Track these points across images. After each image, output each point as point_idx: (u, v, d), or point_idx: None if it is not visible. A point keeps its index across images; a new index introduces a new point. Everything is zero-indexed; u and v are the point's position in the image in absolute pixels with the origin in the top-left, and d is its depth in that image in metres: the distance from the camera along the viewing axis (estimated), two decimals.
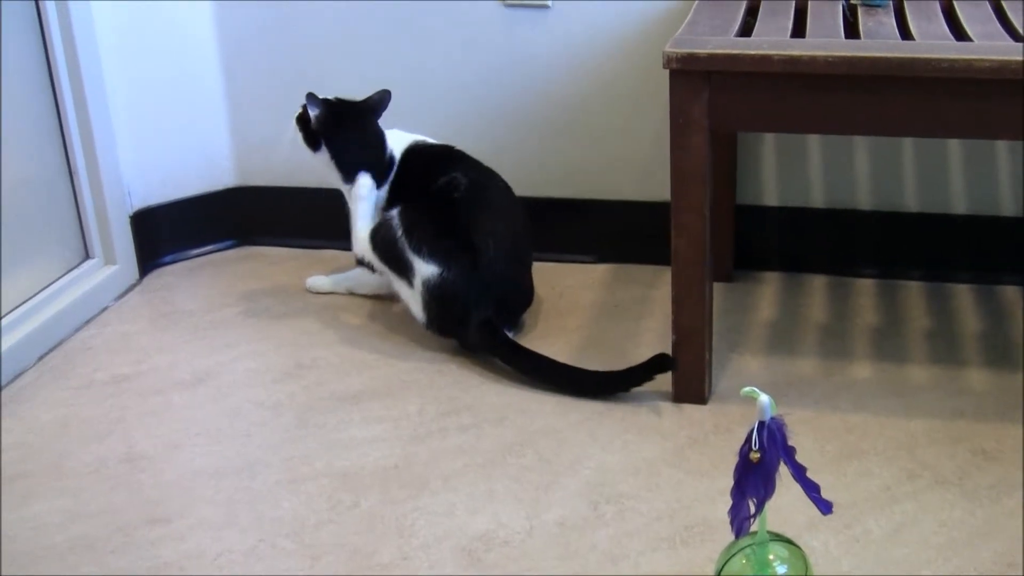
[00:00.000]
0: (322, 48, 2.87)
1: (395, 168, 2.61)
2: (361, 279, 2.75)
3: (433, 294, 2.45)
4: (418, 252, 2.45)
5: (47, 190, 2.70)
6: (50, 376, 2.47)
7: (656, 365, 2.27)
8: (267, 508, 2.00)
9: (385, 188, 2.60)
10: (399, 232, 2.47)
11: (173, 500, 2.04)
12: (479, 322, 2.43)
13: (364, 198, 2.59)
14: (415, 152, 2.63)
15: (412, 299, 2.50)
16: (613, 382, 2.32)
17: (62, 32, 2.64)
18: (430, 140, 2.66)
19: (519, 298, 2.57)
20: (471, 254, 2.44)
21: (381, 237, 2.52)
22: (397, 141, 2.64)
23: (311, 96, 2.56)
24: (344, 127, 2.60)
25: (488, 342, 2.43)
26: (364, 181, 2.58)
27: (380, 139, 2.61)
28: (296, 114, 2.63)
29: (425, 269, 2.44)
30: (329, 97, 2.60)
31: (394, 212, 2.51)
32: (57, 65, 2.65)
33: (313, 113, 2.59)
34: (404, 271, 2.48)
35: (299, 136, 2.64)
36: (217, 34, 2.94)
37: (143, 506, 2.02)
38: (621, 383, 2.31)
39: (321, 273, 2.85)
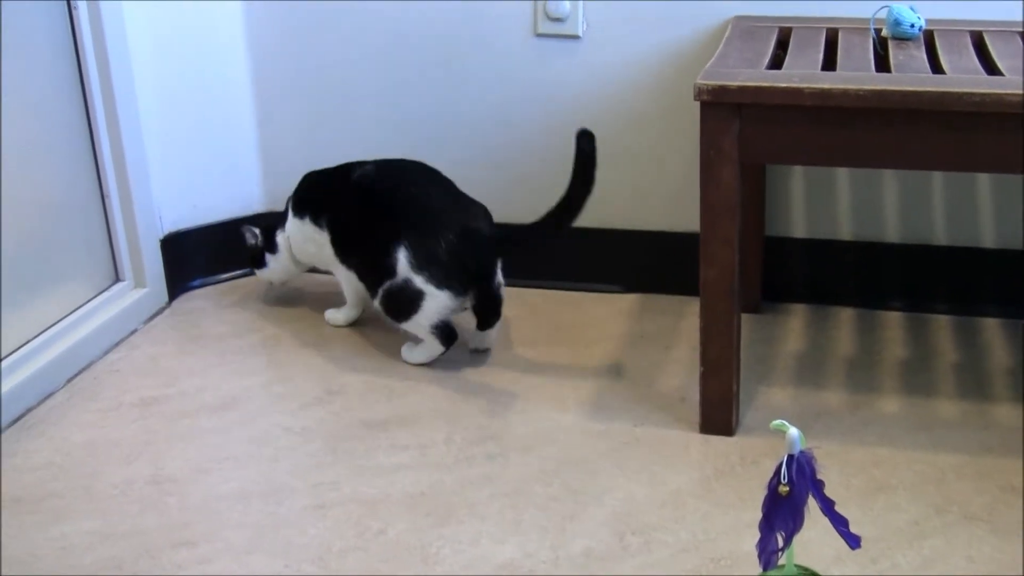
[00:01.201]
0: (353, 76, 2.88)
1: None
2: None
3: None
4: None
5: (79, 213, 2.72)
6: (79, 398, 2.48)
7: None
8: (293, 533, 2.00)
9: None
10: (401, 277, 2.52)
11: (200, 523, 2.04)
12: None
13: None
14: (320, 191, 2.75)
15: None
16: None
17: (96, 58, 2.66)
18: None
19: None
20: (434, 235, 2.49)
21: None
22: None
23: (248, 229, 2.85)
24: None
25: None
26: None
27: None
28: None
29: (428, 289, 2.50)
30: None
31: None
32: (91, 90, 2.67)
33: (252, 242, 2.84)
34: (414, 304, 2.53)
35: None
36: (249, 60, 2.96)
37: (170, 529, 2.02)
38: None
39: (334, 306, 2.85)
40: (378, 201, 2.55)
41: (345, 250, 2.63)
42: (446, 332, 2.55)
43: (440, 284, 2.48)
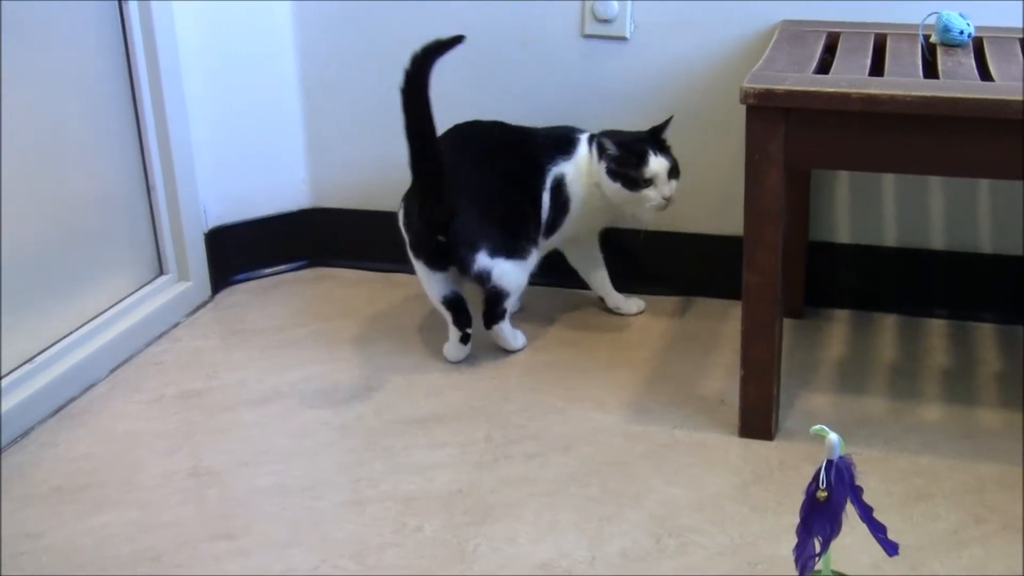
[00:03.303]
0: (400, 74, 2.88)
1: None
2: None
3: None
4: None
5: (125, 206, 2.74)
6: (121, 389, 2.50)
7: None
8: (331, 529, 2.01)
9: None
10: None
11: (238, 516, 2.05)
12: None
13: None
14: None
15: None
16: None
17: (146, 52, 2.68)
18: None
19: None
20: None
21: None
22: None
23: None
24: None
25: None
26: None
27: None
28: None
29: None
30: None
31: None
32: (140, 84, 2.69)
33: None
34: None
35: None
36: (297, 56, 2.97)
37: (209, 521, 2.04)
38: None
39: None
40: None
41: None
42: (452, 305, 2.58)
43: (414, 251, 2.56)
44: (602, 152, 2.58)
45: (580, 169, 2.63)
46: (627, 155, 2.57)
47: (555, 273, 2.78)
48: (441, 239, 2.48)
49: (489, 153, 2.59)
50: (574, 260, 2.83)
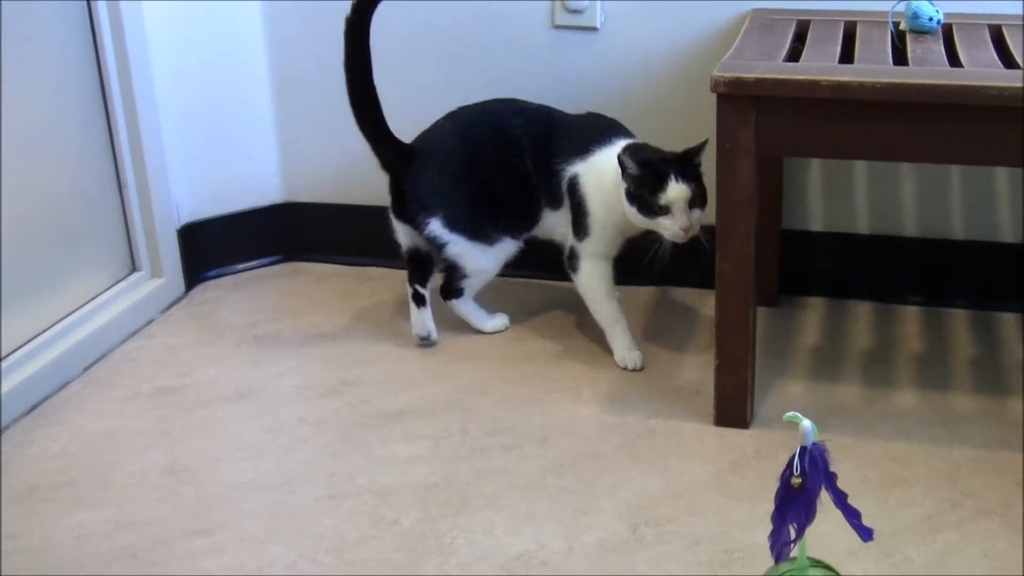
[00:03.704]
0: (372, 65, 2.88)
1: None
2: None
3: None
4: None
5: (97, 203, 2.72)
6: (96, 387, 2.49)
7: None
8: (308, 523, 2.01)
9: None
10: None
11: (215, 513, 2.05)
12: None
13: None
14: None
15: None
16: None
17: (115, 49, 2.67)
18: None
19: None
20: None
21: None
22: None
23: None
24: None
25: None
26: None
27: None
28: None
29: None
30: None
31: None
32: (110, 80, 2.68)
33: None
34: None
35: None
36: (267, 50, 2.96)
37: (186, 518, 2.03)
38: None
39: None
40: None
41: None
42: (411, 260, 2.65)
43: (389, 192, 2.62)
44: (624, 170, 2.40)
45: (599, 173, 2.51)
46: (647, 177, 2.37)
47: (529, 265, 2.77)
48: (403, 188, 2.55)
49: (498, 133, 2.58)
50: None
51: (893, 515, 1.98)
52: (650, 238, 2.45)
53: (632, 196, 2.40)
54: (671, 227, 2.37)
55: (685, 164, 2.38)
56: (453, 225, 2.54)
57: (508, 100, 2.64)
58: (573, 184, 2.51)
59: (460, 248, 2.56)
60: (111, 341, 2.66)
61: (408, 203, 2.56)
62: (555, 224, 2.60)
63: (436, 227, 2.54)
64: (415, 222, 2.55)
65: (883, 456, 2.16)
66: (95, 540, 1.97)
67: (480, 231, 2.56)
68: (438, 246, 2.56)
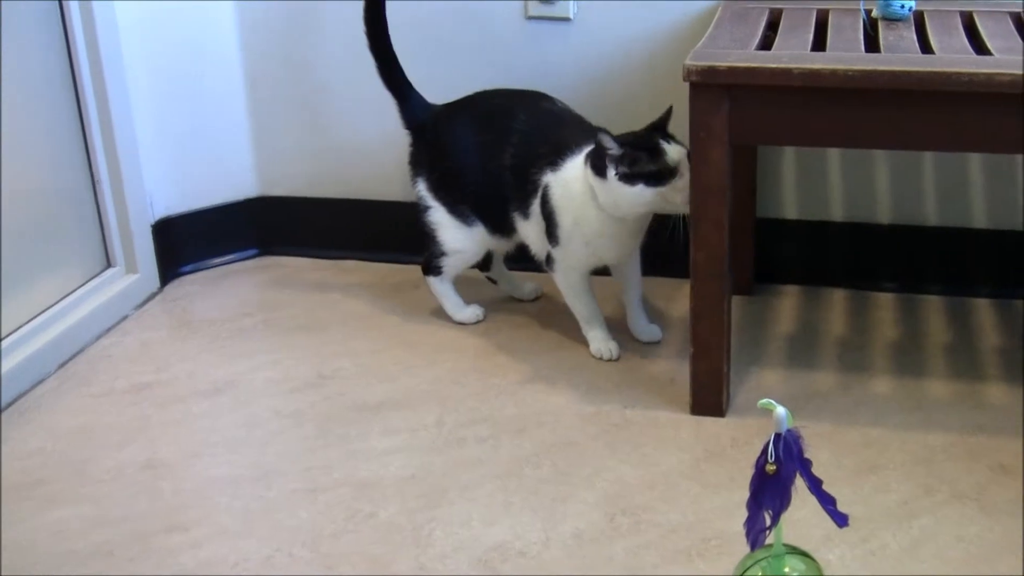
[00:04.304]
0: (344, 60, 2.87)
1: None
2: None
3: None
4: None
5: (70, 199, 2.72)
6: (71, 383, 2.48)
7: None
8: (285, 517, 2.01)
9: None
10: None
11: (192, 508, 2.05)
12: None
13: None
14: None
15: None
16: None
17: (87, 43, 2.66)
18: None
19: None
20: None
21: None
22: None
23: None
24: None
25: None
26: None
27: None
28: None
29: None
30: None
31: None
32: (82, 76, 2.67)
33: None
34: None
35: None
36: (240, 45, 2.95)
37: (162, 514, 2.03)
38: None
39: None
40: None
41: None
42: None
43: None
44: (606, 157, 2.33)
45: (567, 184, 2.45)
46: (637, 150, 2.32)
47: (504, 256, 2.77)
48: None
49: (493, 122, 2.57)
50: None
51: (868, 501, 1.99)
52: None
53: (632, 176, 2.31)
54: (683, 189, 2.26)
55: (663, 131, 2.36)
56: (435, 193, 2.61)
57: (535, 94, 2.61)
58: (545, 195, 2.46)
59: (439, 217, 2.62)
60: (86, 337, 2.65)
61: (410, 158, 2.66)
62: (527, 235, 2.57)
63: (422, 188, 2.63)
64: (411, 178, 2.66)
65: (858, 442, 2.17)
66: (71, 537, 1.97)
67: (457, 207, 2.60)
68: (422, 208, 2.63)
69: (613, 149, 2.32)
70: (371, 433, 2.26)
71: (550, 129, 2.52)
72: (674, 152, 2.32)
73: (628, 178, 2.32)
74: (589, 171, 2.37)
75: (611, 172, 2.33)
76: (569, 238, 2.45)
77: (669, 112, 2.38)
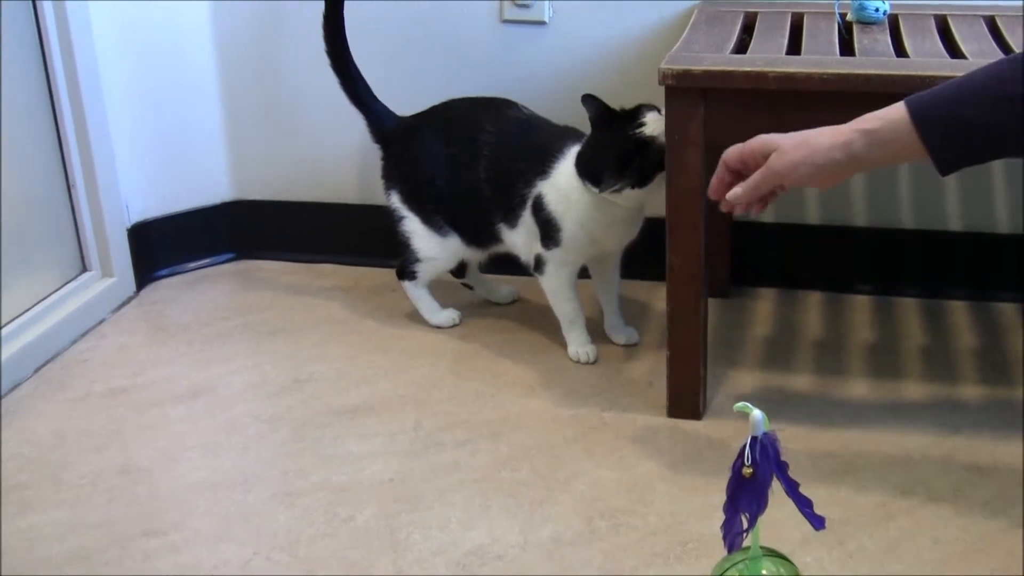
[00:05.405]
0: (319, 65, 2.87)
1: None
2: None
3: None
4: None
5: (45, 203, 2.71)
6: (47, 388, 2.48)
7: None
8: (262, 521, 2.00)
9: None
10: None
11: (169, 513, 2.04)
12: None
13: None
14: None
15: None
16: None
17: (61, 47, 2.65)
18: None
19: None
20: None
21: None
22: None
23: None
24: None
25: None
26: None
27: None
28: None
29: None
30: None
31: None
32: (56, 80, 2.66)
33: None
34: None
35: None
36: (215, 48, 2.95)
37: (139, 518, 2.02)
38: None
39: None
40: None
41: None
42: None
43: None
44: (591, 172, 2.36)
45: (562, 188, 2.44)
46: (621, 116, 2.38)
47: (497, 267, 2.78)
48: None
49: (465, 133, 2.56)
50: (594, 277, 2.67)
51: (846, 503, 1.99)
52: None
53: (623, 187, 2.34)
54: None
55: (637, 116, 2.37)
56: (409, 204, 2.62)
57: (502, 102, 2.60)
58: (538, 203, 2.45)
59: (414, 226, 2.62)
60: (62, 342, 2.64)
61: (382, 171, 2.67)
62: (513, 244, 2.57)
63: (396, 200, 2.64)
64: (384, 190, 2.67)
65: (835, 444, 2.17)
66: (47, 542, 1.96)
67: (431, 218, 2.61)
68: (396, 219, 2.64)
69: (609, 185, 2.33)
70: (348, 437, 2.25)
71: (522, 137, 2.52)
72: (657, 146, 2.28)
73: (619, 189, 2.35)
74: (587, 183, 2.38)
75: (604, 187, 2.35)
76: (573, 237, 2.45)
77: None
